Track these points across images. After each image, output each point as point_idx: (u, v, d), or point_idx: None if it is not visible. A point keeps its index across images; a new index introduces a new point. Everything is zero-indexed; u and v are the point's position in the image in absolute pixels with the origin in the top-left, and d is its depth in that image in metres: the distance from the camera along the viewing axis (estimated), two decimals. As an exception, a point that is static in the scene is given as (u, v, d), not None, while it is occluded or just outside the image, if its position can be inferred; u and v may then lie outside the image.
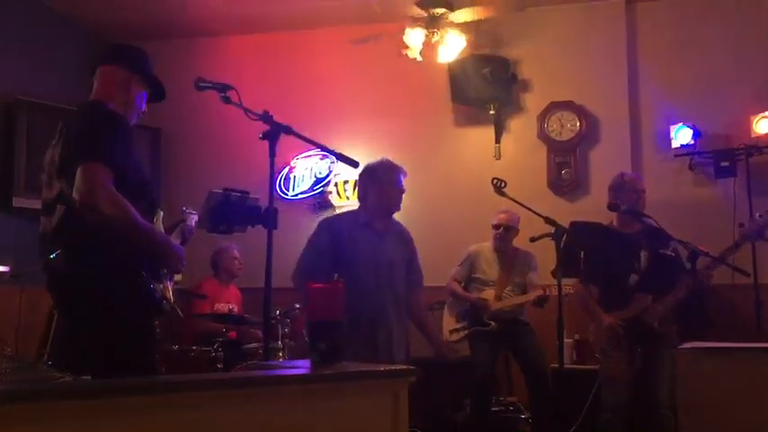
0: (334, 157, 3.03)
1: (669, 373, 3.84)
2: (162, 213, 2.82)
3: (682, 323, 4.12)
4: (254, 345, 4.93)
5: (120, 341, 2.50)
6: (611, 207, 4.12)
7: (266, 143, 2.72)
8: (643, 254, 3.94)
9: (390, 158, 5.91)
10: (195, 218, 3.06)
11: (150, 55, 2.94)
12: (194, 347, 4.83)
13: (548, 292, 4.64)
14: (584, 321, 4.34)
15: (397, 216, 3.71)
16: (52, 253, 2.53)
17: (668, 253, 3.96)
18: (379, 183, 3.62)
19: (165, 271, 2.72)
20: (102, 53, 2.87)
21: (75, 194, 2.43)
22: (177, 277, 2.91)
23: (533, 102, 5.93)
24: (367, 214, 3.63)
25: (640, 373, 3.94)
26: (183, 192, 6.06)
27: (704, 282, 3.90)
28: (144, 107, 2.88)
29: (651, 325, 3.91)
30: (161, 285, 2.67)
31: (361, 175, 3.71)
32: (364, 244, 3.54)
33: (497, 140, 5.94)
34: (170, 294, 2.73)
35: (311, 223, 6.15)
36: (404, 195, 3.76)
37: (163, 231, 2.80)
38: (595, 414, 4.10)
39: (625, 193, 4.17)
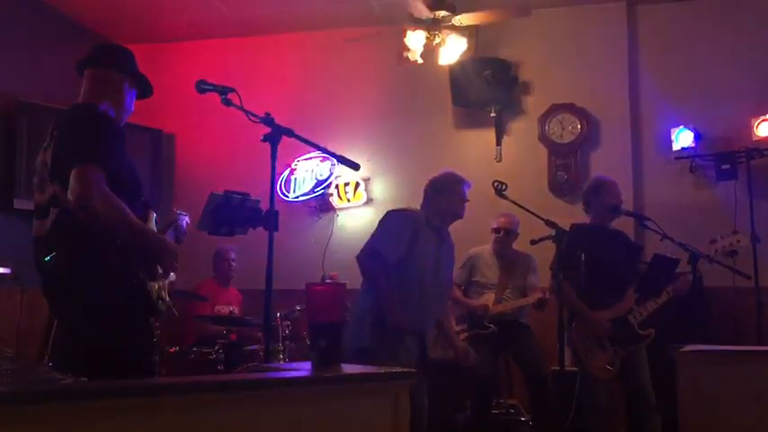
0: (335, 160, 3.03)
1: (648, 371, 3.95)
2: (155, 215, 2.82)
3: (682, 326, 4.13)
4: (254, 347, 4.93)
5: (116, 342, 2.50)
6: (613, 210, 4.12)
7: (267, 145, 2.73)
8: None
9: (391, 160, 6.00)
10: (187, 219, 3.08)
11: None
12: (194, 349, 4.83)
13: (548, 295, 4.64)
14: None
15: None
16: (47, 256, 2.53)
17: (668, 255, 3.97)
18: (445, 192, 3.75)
19: (161, 270, 2.72)
20: (89, 56, 2.85)
21: (69, 196, 2.43)
22: (172, 277, 2.90)
23: (534, 104, 5.93)
24: (434, 217, 3.74)
25: (625, 374, 3.96)
26: (183, 194, 6.09)
27: (682, 289, 3.92)
28: (132, 107, 2.89)
29: (634, 327, 3.94)
30: (157, 285, 2.67)
31: (428, 188, 3.82)
32: (430, 245, 3.67)
33: (498, 143, 5.94)
34: (165, 294, 2.73)
35: (312, 225, 6.24)
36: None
37: (156, 232, 2.81)
38: (582, 415, 4.09)
39: (607, 198, 4.13)
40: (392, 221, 3.70)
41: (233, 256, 5.60)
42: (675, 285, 3.94)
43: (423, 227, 3.67)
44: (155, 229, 2.80)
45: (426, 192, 3.82)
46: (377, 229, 3.70)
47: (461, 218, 3.81)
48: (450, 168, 3.95)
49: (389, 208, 3.85)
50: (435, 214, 3.75)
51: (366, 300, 3.56)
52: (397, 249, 3.54)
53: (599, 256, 3.85)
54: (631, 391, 4.01)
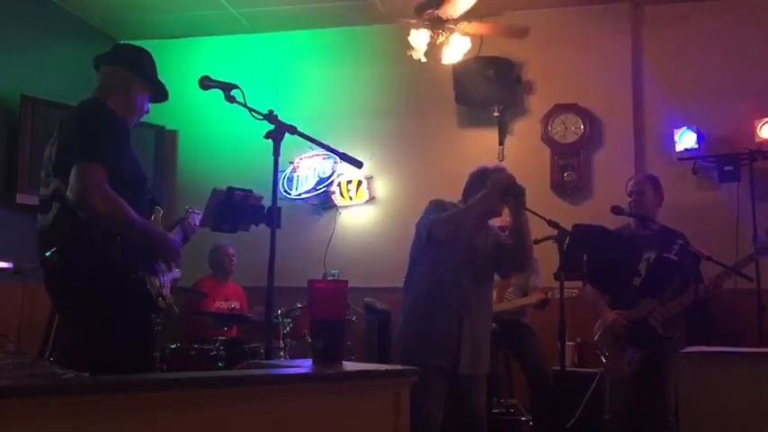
0: (337, 157, 3.02)
1: (675, 378, 3.86)
2: (162, 211, 2.81)
3: (685, 329, 4.12)
4: (255, 344, 4.93)
5: (116, 338, 2.51)
6: (614, 210, 4.12)
7: (270, 142, 2.72)
8: (647, 256, 3.95)
9: (394, 158, 5.99)
10: (198, 216, 3.06)
11: (155, 53, 2.95)
12: (195, 346, 4.83)
13: (549, 296, 4.64)
14: (588, 323, 4.33)
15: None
16: (48, 250, 2.53)
17: (670, 257, 3.96)
18: (485, 185, 3.44)
19: (163, 267, 2.72)
20: (104, 53, 2.89)
21: (68, 194, 2.44)
22: (176, 274, 2.90)
23: (537, 104, 5.93)
24: None
25: (644, 376, 3.94)
26: (186, 190, 6.09)
27: (713, 291, 3.90)
28: (146, 108, 2.89)
29: (655, 329, 3.92)
30: (157, 282, 2.66)
31: (474, 174, 3.61)
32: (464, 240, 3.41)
33: (501, 142, 5.94)
34: (166, 291, 2.73)
35: (314, 223, 6.24)
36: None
37: (161, 228, 2.80)
38: (595, 413, 4.10)
39: (629, 196, 4.21)
40: (437, 209, 3.41)
41: (232, 251, 5.60)
42: (705, 287, 3.90)
43: None
44: (160, 225, 2.79)
45: (473, 180, 3.56)
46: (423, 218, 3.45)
47: (499, 215, 3.52)
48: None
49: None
50: None
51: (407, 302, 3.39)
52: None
53: (601, 257, 3.83)
54: (647, 397, 3.98)
